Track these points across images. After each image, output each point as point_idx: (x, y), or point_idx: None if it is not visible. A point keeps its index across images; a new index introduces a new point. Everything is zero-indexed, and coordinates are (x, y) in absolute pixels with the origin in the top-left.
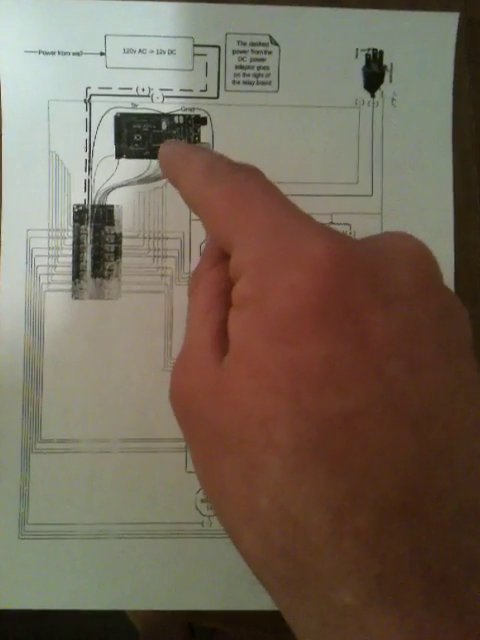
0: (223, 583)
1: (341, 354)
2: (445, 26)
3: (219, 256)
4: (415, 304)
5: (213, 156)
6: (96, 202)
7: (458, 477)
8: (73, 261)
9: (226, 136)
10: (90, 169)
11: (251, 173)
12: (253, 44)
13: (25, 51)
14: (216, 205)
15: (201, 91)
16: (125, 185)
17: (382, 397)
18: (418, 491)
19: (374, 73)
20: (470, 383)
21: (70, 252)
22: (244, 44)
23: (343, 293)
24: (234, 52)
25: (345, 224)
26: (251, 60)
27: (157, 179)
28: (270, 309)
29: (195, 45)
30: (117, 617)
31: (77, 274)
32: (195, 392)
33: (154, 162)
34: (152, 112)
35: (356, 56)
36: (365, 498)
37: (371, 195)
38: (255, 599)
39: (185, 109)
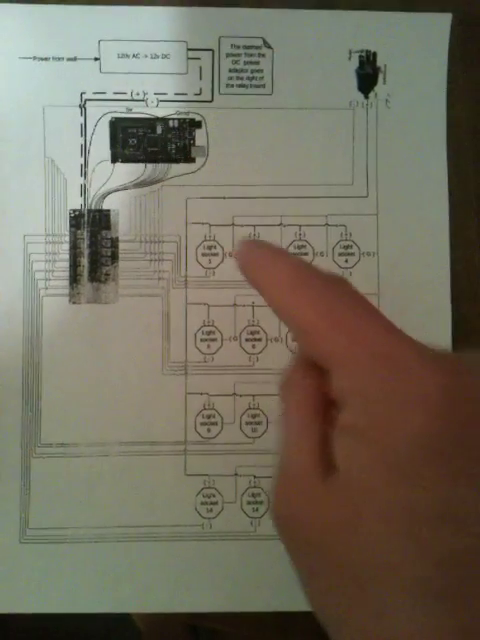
0: (223, 585)
1: (461, 494)
2: (438, 26)
3: (311, 362)
4: None
5: (299, 263)
6: (92, 207)
7: None
8: (70, 266)
9: (221, 139)
10: (86, 174)
11: (342, 285)
12: (246, 47)
13: (19, 57)
14: (310, 319)
15: (195, 95)
16: (121, 189)
17: None
18: None
19: (367, 74)
20: None
21: (67, 257)
22: (237, 47)
23: (458, 432)
24: (228, 55)
25: (341, 225)
26: (245, 63)
27: (153, 183)
28: (384, 445)
29: (189, 49)
30: (119, 617)
31: (74, 279)
32: (302, 520)
33: (150, 166)
34: (147, 116)
35: (349, 58)
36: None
37: (366, 196)
38: (256, 600)
39: (180, 113)
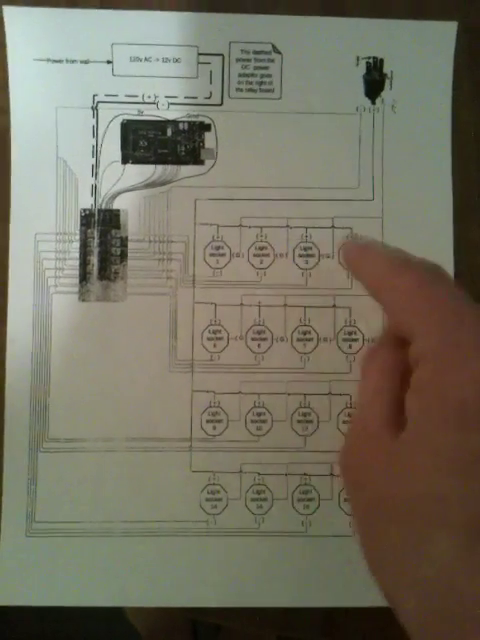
0: (227, 581)
1: None
2: (444, 34)
3: (396, 343)
4: None
5: (395, 250)
6: (103, 206)
7: None
8: (80, 264)
9: (230, 142)
10: (97, 174)
11: (436, 267)
12: (256, 52)
13: (34, 59)
14: (402, 293)
15: (205, 98)
16: (131, 190)
17: None
18: None
19: (375, 80)
20: None
21: (77, 255)
22: (247, 52)
23: None
24: (237, 60)
25: (346, 228)
26: (254, 68)
27: (162, 184)
28: (449, 397)
29: (199, 54)
30: (119, 621)
31: (84, 277)
32: (369, 463)
33: (159, 167)
34: (157, 119)
35: (357, 64)
36: None
37: (372, 199)
38: (259, 596)
39: (190, 116)
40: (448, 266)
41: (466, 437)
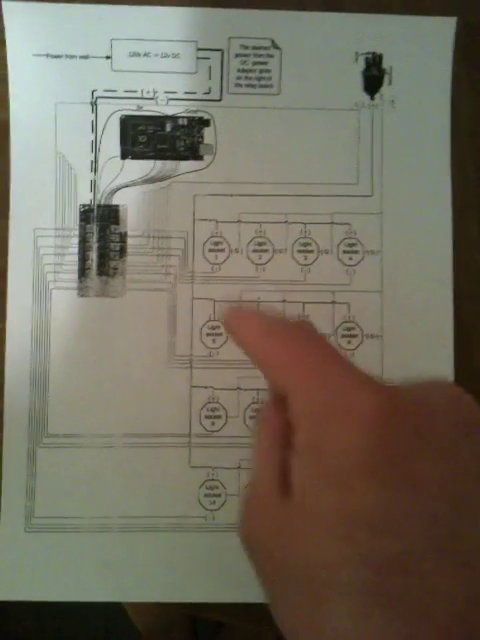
0: (225, 576)
1: (395, 499)
2: (443, 30)
3: (280, 399)
4: (460, 447)
5: (271, 313)
6: (102, 202)
7: None
8: (79, 259)
9: (229, 138)
10: (96, 170)
11: (306, 329)
12: (255, 48)
13: (33, 54)
14: (274, 357)
15: (204, 94)
16: (130, 185)
17: (436, 539)
18: (473, 627)
19: (374, 76)
20: None
21: (76, 251)
22: (246, 48)
23: (392, 444)
24: (237, 56)
25: (345, 223)
26: (253, 63)
27: (162, 179)
28: (326, 460)
29: (199, 49)
30: (119, 619)
31: (83, 272)
32: (262, 533)
33: (158, 163)
34: (157, 114)
35: (356, 60)
36: (423, 637)
37: (371, 195)
38: (258, 592)
39: (189, 111)
40: (447, 260)
41: (346, 500)
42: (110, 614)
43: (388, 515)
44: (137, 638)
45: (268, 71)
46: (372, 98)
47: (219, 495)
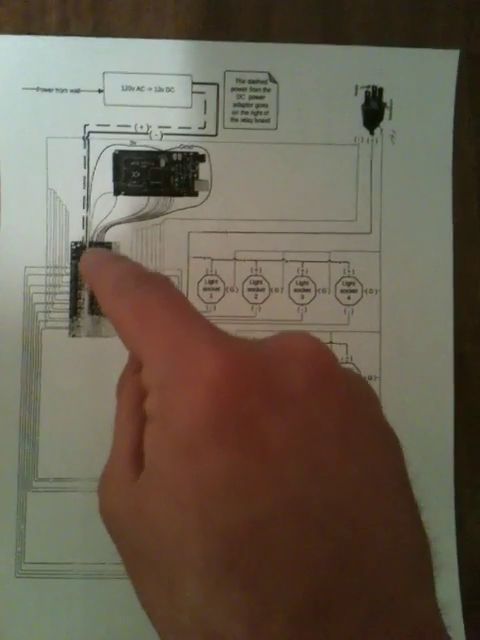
0: None
1: (241, 465)
2: (446, 63)
3: (138, 364)
4: (312, 403)
5: (124, 268)
6: (94, 239)
7: (368, 575)
8: (70, 298)
9: (225, 173)
10: (88, 206)
11: (155, 285)
12: (251, 81)
13: (23, 88)
14: (124, 319)
15: (199, 128)
16: (123, 222)
17: (285, 503)
18: (330, 593)
19: (373, 110)
20: (377, 472)
21: (67, 289)
22: (242, 82)
23: (237, 404)
24: (233, 89)
25: (344, 262)
26: (250, 98)
27: (155, 216)
28: (172, 426)
29: (194, 83)
30: None
31: (74, 311)
32: (117, 510)
33: (152, 199)
34: (150, 149)
35: (355, 93)
36: (277, 606)
37: (370, 233)
38: None
39: (183, 146)
40: (448, 298)
41: (193, 468)
42: None
43: (235, 481)
44: None
45: (265, 105)
46: (372, 133)
47: None
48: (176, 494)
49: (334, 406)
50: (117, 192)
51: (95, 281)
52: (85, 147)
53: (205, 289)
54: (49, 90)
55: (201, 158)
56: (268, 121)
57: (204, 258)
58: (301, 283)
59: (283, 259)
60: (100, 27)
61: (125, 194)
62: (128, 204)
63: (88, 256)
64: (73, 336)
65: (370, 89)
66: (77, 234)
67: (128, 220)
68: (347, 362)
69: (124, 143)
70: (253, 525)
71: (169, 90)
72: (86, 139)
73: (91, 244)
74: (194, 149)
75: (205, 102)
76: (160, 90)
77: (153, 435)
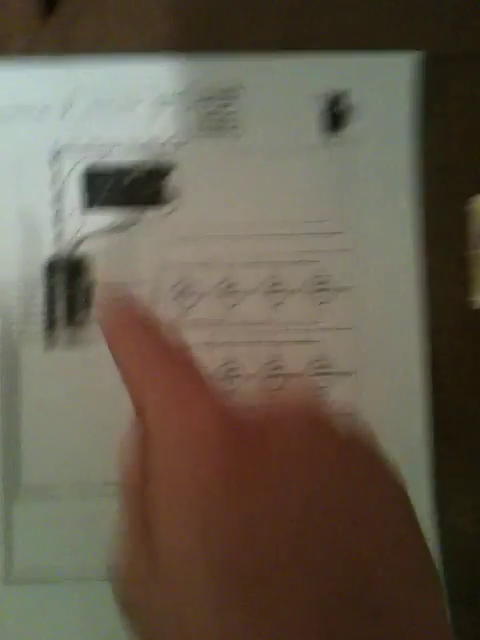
0: None
1: (249, 516)
2: (406, 65)
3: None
4: (312, 446)
5: (152, 338)
6: (67, 254)
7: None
8: (46, 311)
9: (194, 182)
10: (60, 221)
11: (180, 367)
12: (217, 91)
13: None
14: (134, 377)
15: (168, 140)
16: (95, 235)
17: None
18: (336, 624)
19: (336, 115)
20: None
21: (43, 303)
22: (208, 92)
23: (239, 479)
24: (198, 100)
25: (315, 261)
26: (217, 107)
27: (127, 227)
28: (181, 491)
29: (160, 94)
30: None
31: (50, 325)
32: (134, 589)
33: (123, 211)
34: (120, 162)
35: (318, 99)
36: None
37: (341, 232)
38: None
39: (152, 158)
40: (411, 296)
41: (203, 525)
42: None
43: (245, 531)
44: None
45: (231, 113)
46: (336, 136)
47: None
48: (190, 556)
49: (331, 453)
50: (88, 206)
51: (121, 351)
52: (55, 163)
53: (177, 297)
54: (17, 108)
55: (170, 168)
56: (235, 128)
57: (176, 265)
58: (274, 284)
59: (255, 262)
60: (68, 44)
61: (96, 207)
62: (99, 218)
63: (109, 313)
64: (50, 348)
65: (331, 94)
66: (50, 249)
67: (100, 233)
68: (322, 359)
69: (93, 158)
70: (265, 570)
71: (136, 103)
72: (56, 155)
73: (64, 259)
74: (163, 160)
75: (172, 114)
76: (128, 103)
77: (160, 496)
